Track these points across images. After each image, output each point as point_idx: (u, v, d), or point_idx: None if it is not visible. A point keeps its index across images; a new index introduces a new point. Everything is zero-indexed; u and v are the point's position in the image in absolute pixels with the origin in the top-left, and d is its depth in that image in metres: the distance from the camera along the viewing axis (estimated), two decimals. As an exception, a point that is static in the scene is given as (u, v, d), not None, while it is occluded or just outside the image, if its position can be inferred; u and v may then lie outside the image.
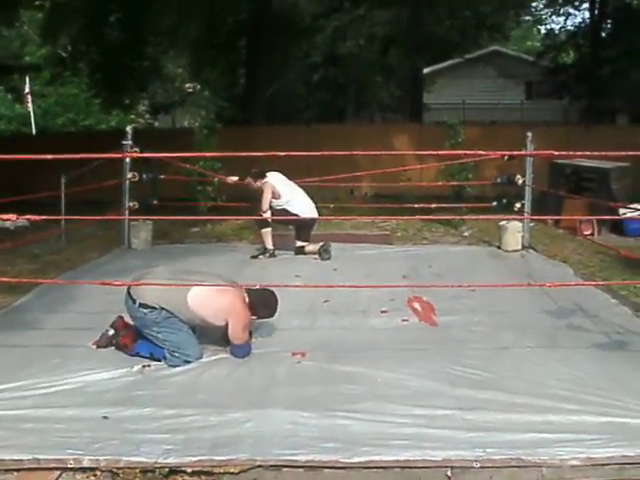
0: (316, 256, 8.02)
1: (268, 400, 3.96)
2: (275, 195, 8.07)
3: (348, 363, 4.51)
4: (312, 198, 8.36)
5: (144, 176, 8.90)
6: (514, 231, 8.57)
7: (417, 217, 9.93)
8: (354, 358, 4.60)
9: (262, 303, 4.83)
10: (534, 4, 28.26)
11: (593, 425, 3.63)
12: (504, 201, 9.10)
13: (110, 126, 26.36)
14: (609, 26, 22.84)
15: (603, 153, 6.30)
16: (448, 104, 24.12)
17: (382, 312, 5.75)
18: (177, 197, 9.77)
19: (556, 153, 5.18)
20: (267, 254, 8.13)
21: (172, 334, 4.57)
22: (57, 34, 18.17)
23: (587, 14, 24.14)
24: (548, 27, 31.37)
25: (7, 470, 3.27)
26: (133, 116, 26.96)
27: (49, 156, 4.24)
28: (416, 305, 5.88)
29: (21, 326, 5.41)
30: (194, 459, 3.31)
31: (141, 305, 4.57)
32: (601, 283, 6.72)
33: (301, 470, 3.29)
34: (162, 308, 4.55)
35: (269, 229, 8.16)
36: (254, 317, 4.84)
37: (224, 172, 10.05)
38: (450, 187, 10.99)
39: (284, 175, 8.34)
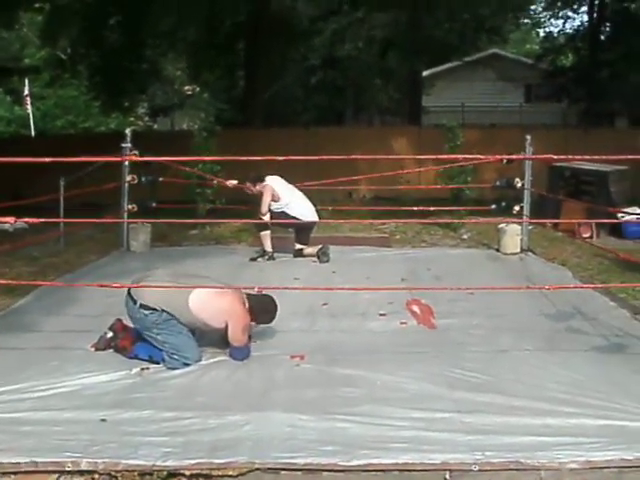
0: (315, 259, 8.02)
1: (267, 403, 3.95)
2: (274, 198, 8.07)
3: (347, 366, 4.51)
4: (311, 201, 8.36)
5: (143, 179, 8.90)
6: (513, 234, 8.57)
7: (416, 220, 9.93)
8: (353, 361, 4.60)
9: (261, 308, 4.84)
10: (533, 7, 28.35)
11: (592, 428, 3.62)
12: (503, 204, 9.10)
13: (109, 128, 26.41)
14: (608, 29, 22.90)
15: (603, 157, 6.27)
16: (447, 107, 24.17)
17: (381, 315, 5.75)
18: (176, 200, 9.76)
19: (555, 157, 5.18)
20: (266, 257, 8.13)
21: (172, 336, 4.56)
22: (57, 36, 18.23)
23: (586, 17, 24.22)
24: (547, 30, 31.47)
25: (4, 473, 3.27)
26: (132, 118, 27.00)
27: (47, 159, 4.24)
28: (415, 308, 5.88)
29: (19, 328, 5.40)
30: (193, 462, 3.30)
31: (142, 306, 4.57)
32: (600, 286, 6.72)
33: (299, 473, 3.28)
34: (163, 310, 4.54)
35: (268, 232, 8.16)
36: (253, 322, 4.84)
37: (223, 175, 10.04)
38: (449, 190, 10.99)
39: (283, 178, 8.34)
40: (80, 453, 3.36)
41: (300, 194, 8.36)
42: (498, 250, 8.66)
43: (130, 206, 8.78)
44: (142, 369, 4.51)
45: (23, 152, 4.66)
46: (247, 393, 4.14)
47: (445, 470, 3.26)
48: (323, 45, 23.42)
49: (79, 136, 22.70)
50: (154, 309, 4.54)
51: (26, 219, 4.88)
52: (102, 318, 5.18)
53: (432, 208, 8.62)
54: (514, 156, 8.31)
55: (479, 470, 3.26)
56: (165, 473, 3.26)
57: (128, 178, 8.72)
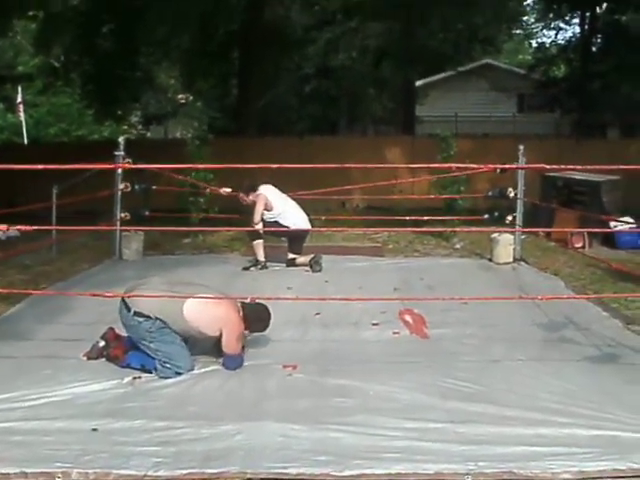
0: (307, 268, 8.01)
1: (259, 412, 3.94)
2: (267, 207, 8.07)
3: (339, 376, 4.50)
4: (304, 210, 8.37)
5: (136, 187, 8.88)
6: (506, 244, 8.59)
7: (409, 229, 9.94)
8: (345, 371, 4.59)
9: (255, 317, 4.84)
10: (525, 18, 28.51)
11: (584, 438, 3.62)
12: (496, 214, 9.12)
13: (102, 136, 26.37)
14: (599, 41, 23.04)
15: (595, 167, 6.34)
16: (441, 117, 24.25)
17: (373, 325, 5.75)
18: (169, 208, 9.75)
19: (548, 167, 5.19)
20: (259, 266, 8.12)
21: (164, 344, 4.55)
22: (50, 44, 18.24)
23: (577, 29, 24.40)
24: (539, 41, 31.55)
25: (-6, 484, 3.25)
26: (125, 127, 26.96)
27: (40, 166, 4.23)
28: (407, 318, 5.87)
29: (11, 337, 5.37)
30: (185, 472, 3.29)
31: (136, 313, 4.56)
32: (592, 296, 6.74)
33: (292, 483, 3.27)
34: (157, 318, 4.54)
35: (261, 241, 8.16)
36: (247, 331, 4.83)
37: (216, 183, 10.04)
38: (442, 199, 11.00)
39: (276, 187, 8.34)
40: (71, 463, 3.34)
41: (293, 203, 8.36)
42: (491, 260, 8.67)
43: (123, 214, 8.77)
44: (134, 378, 4.49)
45: (16, 160, 4.64)
46: (239, 403, 4.13)
47: (438, 480, 3.26)
48: (317, 54, 23.49)
49: (72, 144, 22.67)
50: (148, 316, 4.53)
51: (19, 227, 4.86)
52: (94, 327, 5.16)
53: (425, 218, 8.62)
54: (507, 165, 8.33)
55: (472, 480, 3.25)
56: (157, 483, 3.25)
57: (121, 186, 8.70)
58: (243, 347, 4.82)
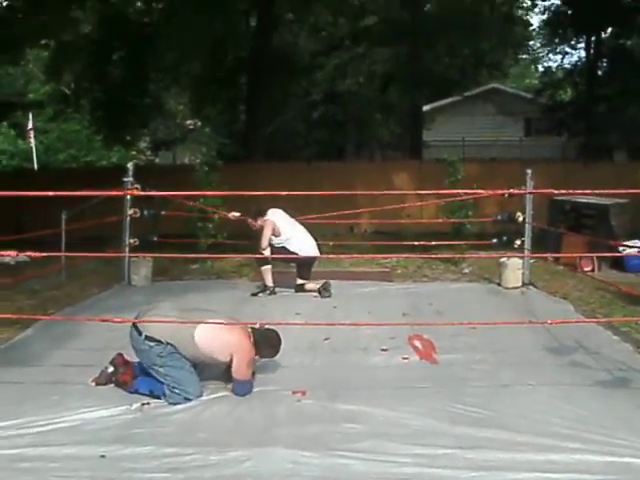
0: (316, 294, 8.00)
1: (268, 439, 3.92)
2: (275, 233, 8.07)
3: (349, 402, 4.48)
4: (312, 235, 8.37)
5: (145, 212, 8.92)
6: (514, 268, 8.56)
7: (417, 255, 9.92)
8: (355, 396, 4.57)
9: (266, 343, 4.84)
10: (531, 43, 28.69)
11: (597, 465, 3.59)
12: (504, 238, 9.10)
13: (111, 162, 26.58)
14: (605, 65, 23.19)
15: (603, 191, 6.35)
16: (448, 141, 24.32)
17: (382, 350, 5.72)
18: (178, 234, 9.78)
19: (556, 191, 5.20)
20: (267, 292, 8.11)
21: (174, 369, 4.55)
22: (61, 72, 18.49)
23: (583, 53, 24.54)
24: (545, 65, 31.75)
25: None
26: (134, 152, 27.15)
27: (50, 193, 4.26)
28: (417, 343, 5.85)
29: (20, 362, 5.37)
30: (193, 499, 3.27)
31: (147, 338, 4.56)
32: (602, 320, 6.69)
33: (301, 511, 3.25)
34: (168, 343, 4.54)
35: (269, 266, 8.15)
36: (257, 356, 4.83)
37: (225, 209, 10.07)
38: (450, 224, 11.00)
39: (285, 212, 8.36)
40: (79, 490, 3.33)
41: (301, 228, 8.37)
42: (499, 284, 8.64)
43: (132, 240, 8.80)
44: (143, 404, 4.49)
45: (26, 185, 4.70)
46: (248, 429, 4.11)
47: (448, 507, 3.23)
48: (324, 80, 23.66)
49: (81, 170, 22.86)
50: (159, 341, 4.54)
51: (28, 253, 4.89)
52: (103, 352, 5.16)
53: (433, 242, 8.62)
54: (515, 190, 8.33)
55: (483, 508, 3.22)
56: (165, 510, 3.23)
57: (130, 212, 8.74)
58: (253, 373, 4.81)
